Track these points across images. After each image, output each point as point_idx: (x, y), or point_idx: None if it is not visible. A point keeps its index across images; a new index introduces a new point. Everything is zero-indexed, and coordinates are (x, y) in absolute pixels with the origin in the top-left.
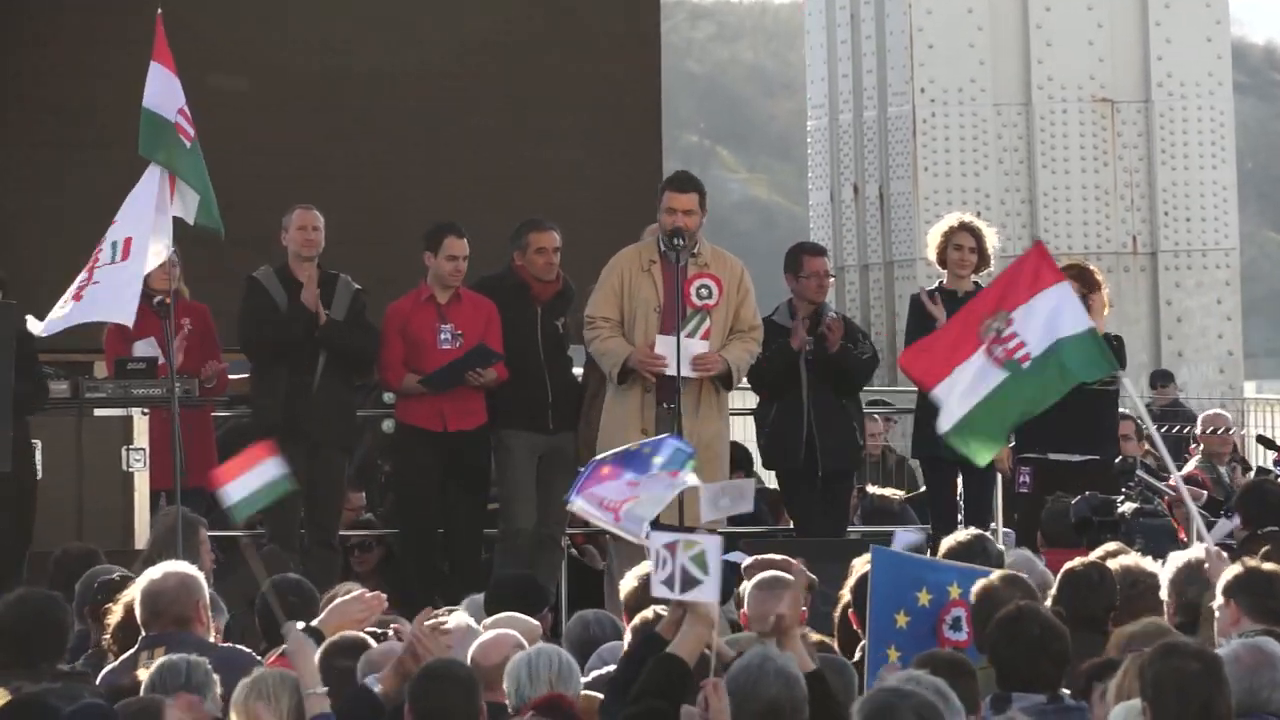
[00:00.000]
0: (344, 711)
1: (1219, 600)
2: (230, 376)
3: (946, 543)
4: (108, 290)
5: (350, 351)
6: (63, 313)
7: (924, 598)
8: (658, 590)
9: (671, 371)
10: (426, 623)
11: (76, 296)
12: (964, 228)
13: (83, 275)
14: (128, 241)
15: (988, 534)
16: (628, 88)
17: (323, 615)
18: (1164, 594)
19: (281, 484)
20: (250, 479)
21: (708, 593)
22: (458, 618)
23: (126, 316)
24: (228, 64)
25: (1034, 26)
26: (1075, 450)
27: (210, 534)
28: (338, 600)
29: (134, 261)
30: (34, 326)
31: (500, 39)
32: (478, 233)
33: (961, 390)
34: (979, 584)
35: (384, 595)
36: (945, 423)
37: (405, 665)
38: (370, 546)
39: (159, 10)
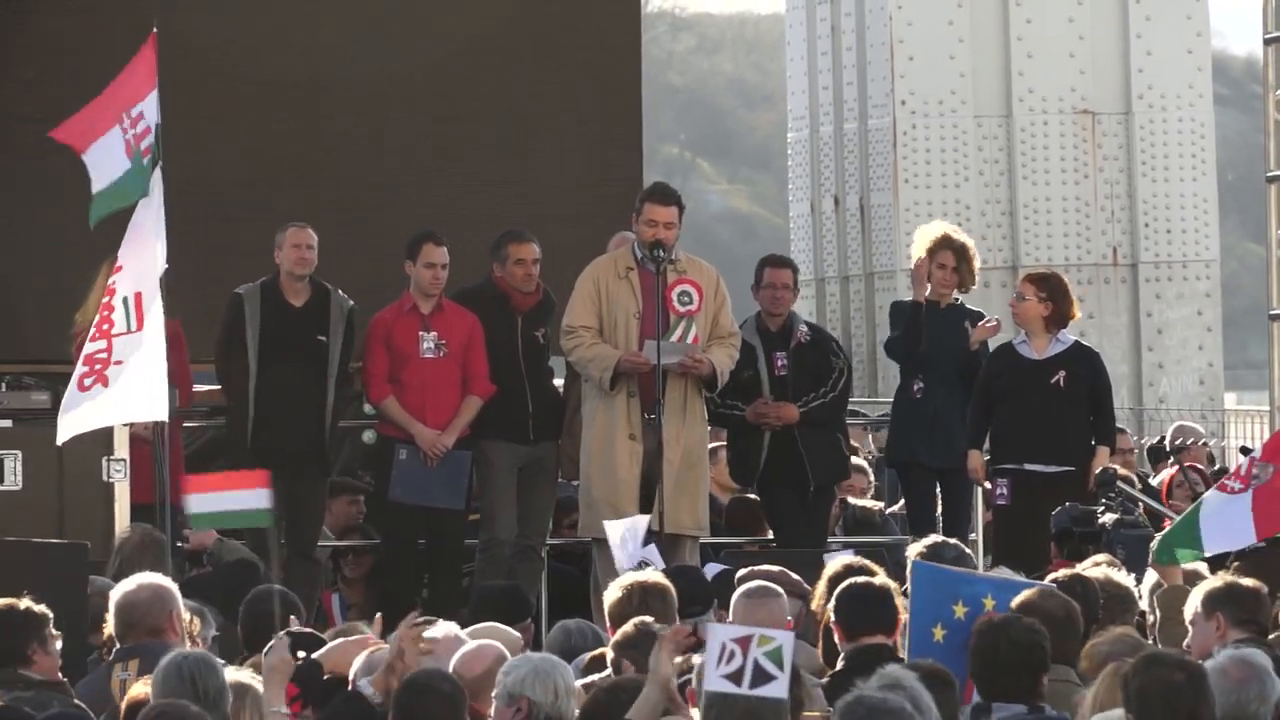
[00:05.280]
0: (336, 715)
1: (1199, 612)
2: (202, 388)
3: (913, 549)
4: (136, 376)
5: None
6: (92, 408)
7: (960, 610)
8: (717, 684)
9: (666, 359)
10: (410, 629)
11: (101, 379)
12: (947, 244)
13: (99, 345)
14: (138, 299)
15: (951, 540)
16: (608, 99)
17: (324, 650)
18: (1144, 604)
19: (261, 515)
20: (229, 498)
21: (779, 689)
22: (444, 627)
23: (160, 411)
24: (214, 73)
25: (1015, 38)
26: (1051, 461)
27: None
28: (340, 640)
29: (149, 332)
30: (62, 433)
31: (481, 50)
32: (458, 243)
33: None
34: (1018, 599)
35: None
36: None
37: (396, 668)
38: (363, 552)
39: (154, 29)
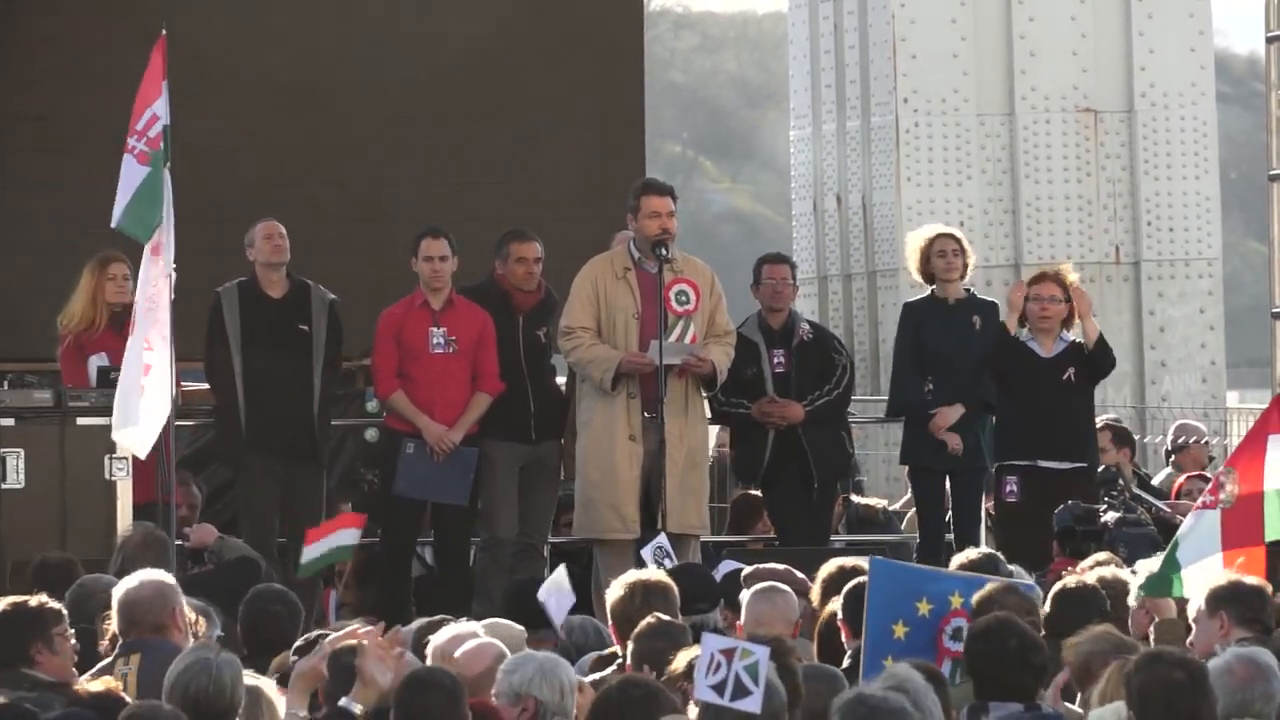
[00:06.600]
0: None
1: (1203, 610)
2: (193, 386)
3: (958, 559)
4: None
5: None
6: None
7: (924, 608)
8: (705, 694)
9: (669, 359)
10: (383, 637)
11: (140, 388)
12: (945, 235)
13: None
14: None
15: (998, 553)
16: (611, 98)
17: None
18: (1132, 600)
19: (345, 551)
20: (330, 539)
21: (754, 704)
22: (452, 628)
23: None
24: (215, 73)
25: (1017, 37)
26: (1064, 458)
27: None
28: (331, 636)
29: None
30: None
31: (484, 49)
32: (460, 243)
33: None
34: (979, 594)
35: (375, 629)
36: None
37: (366, 679)
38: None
39: (163, 31)
